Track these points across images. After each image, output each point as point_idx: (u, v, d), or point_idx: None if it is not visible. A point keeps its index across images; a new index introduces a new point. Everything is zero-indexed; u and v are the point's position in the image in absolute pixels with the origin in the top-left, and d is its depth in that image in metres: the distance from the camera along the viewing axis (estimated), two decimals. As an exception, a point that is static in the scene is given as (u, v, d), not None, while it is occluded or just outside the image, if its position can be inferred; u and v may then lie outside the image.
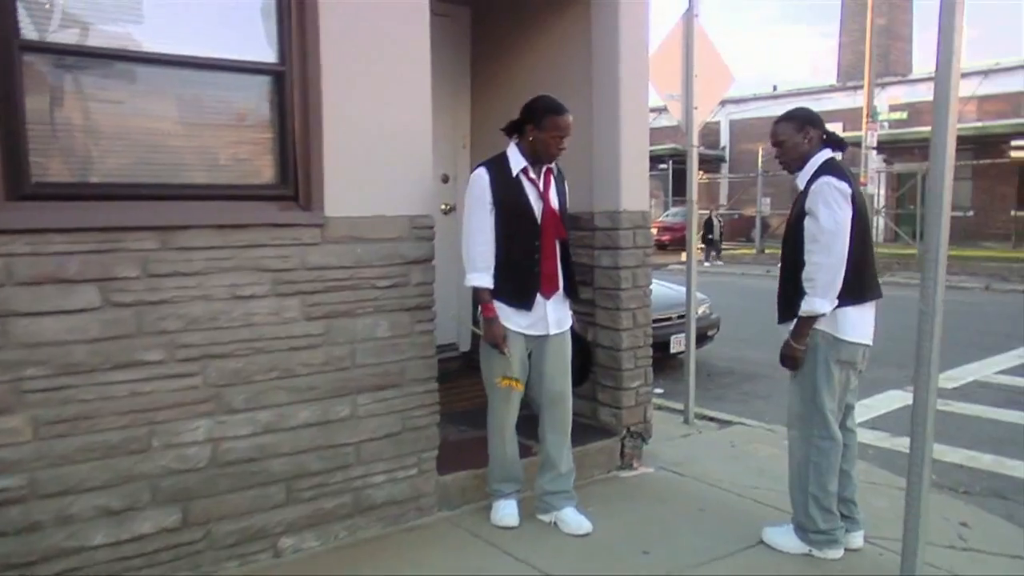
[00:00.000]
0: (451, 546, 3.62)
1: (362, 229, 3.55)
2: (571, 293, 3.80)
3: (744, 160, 30.84)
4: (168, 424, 3.13)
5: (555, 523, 3.80)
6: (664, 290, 7.80)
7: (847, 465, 3.56)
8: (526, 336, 3.69)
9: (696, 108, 5.55)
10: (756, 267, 21.33)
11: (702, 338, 8.06)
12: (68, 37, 2.97)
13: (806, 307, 3.30)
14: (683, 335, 6.22)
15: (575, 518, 3.77)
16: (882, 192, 25.92)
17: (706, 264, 22.06)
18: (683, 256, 6.81)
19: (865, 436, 5.35)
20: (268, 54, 3.36)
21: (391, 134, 3.62)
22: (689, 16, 5.51)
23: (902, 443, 5.31)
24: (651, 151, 5.18)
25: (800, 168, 3.46)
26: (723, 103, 28.12)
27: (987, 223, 25.16)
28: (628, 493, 4.29)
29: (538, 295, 3.65)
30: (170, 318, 3.10)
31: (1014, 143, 22.05)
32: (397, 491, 3.75)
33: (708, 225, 23.24)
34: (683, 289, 6.13)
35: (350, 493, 3.61)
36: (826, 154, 3.43)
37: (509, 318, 3.63)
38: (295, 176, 3.43)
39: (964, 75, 2.90)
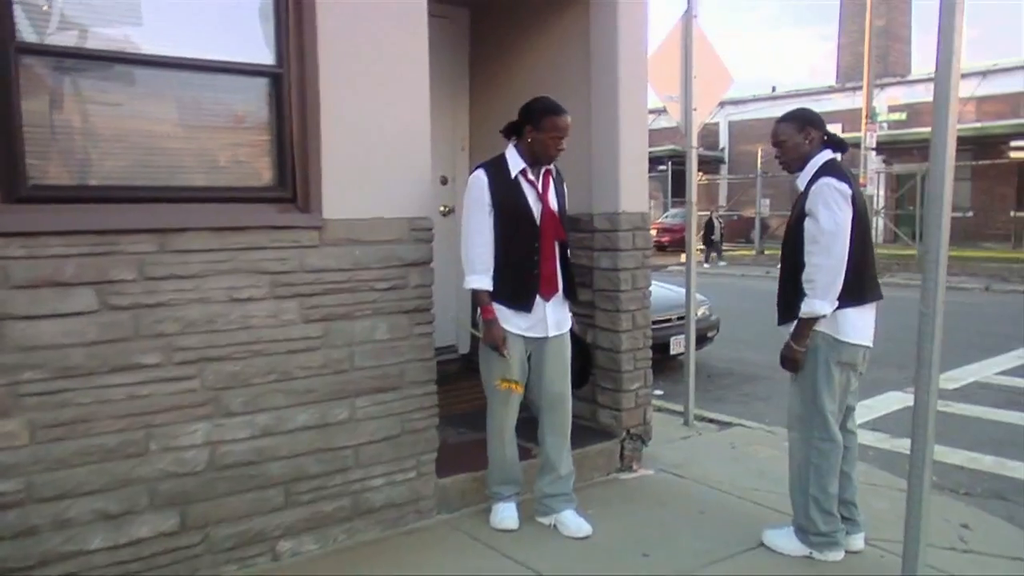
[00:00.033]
0: (450, 549, 3.61)
1: (360, 231, 3.54)
2: (570, 295, 3.79)
3: (743, 161, 30.85)
4: (166, 427, 3.11)
5: (555, 526, 3.79)
6: (663, 291, 7.79)
7: (848, 467, 3.54)
8: (525, 338, 3.68)
9: (695, 109, 5.54)
10: (756, 268, 21.32)
11: (702, 339, 8.05)
12: (65, 39, 2.96)
13: (806, 309, 3.29)
14: (683, 336, 6.21)
15: (575, 521, 3.76)
16: (881, 193, 25.91)
17: (706, 265, 22.05)
18: (682, 257, 6.80)
19: (865, 437, 5.34)
20: (265, 56, 3.35)
21: (389, 136, 3.61)
22: (688, 17, 5.51)
23: (902, 444, 5.30)
24: (650, 152, 5.18)
25: (800, 169, 3.45)
26: (722, 104, 28.19)
27: (987, 224, 25.16)
28: (628, 495, 4.28)
29: (537, 297, 3.64)
30: (167, 321, 3.09)
31: (1013, 144, 22.07)
32: (396, 494, 3.74)
33: (709, 226, 23.25)
34: (682, 290, 6.13)
35: (349, 496, 3.60)
36: (827, 155, 3.42)
37: (508, 320, 3.62)
38: (293, 178, 3.42)
39: (963, 76, 2.90)
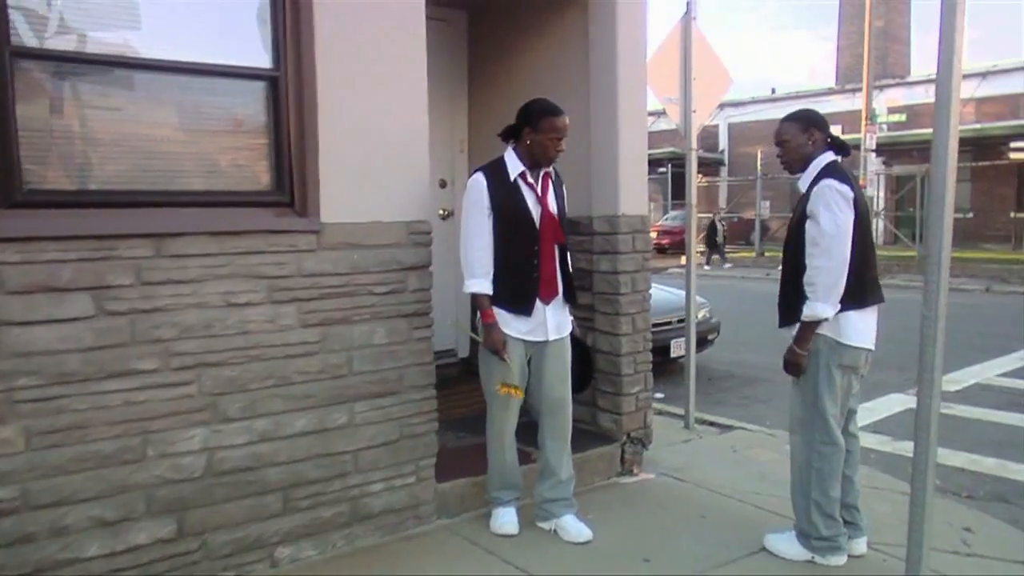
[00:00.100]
0: (450, 554, 3.59)
1: (359, 235, 3.52)
2: (570, 298, 3.77)
3: (743, 163, 30.85)
4: (163, 433, 3.09)
5: (555, 531, 3.77)
6: (664, 294, 7.78)
7: (850, 470, 3.52)
8: (525, 342, 3.66)
9: (695, 111, 5.53)
10: (756, 270, 21.33)
11: (702, 342, 8.04)
12: (61, 43, 2.94)
13: (808, 312, 3.27)
14: (683, 339, 6.19)
15: (575, 525, 3.74)
16: (881, 194, 25.92)
17: (706, 267, 22.06)
18: (682, 260, 6.79)
19: (867, 440, 5.32)
20: (263, 59, 3.34)
21: (388, 139, 3.60)
22: (687, 19, 5.50)
23: (904, 447, 5.29)
24: (650, 155, 5.16)
25: (802, 169, 3.43)
26: (722, 106, 28.22)
27: (987, 225, 25.16)
28: (629, 500, 4.26)
29: (537, 300, 3.62)
30: (164, 326, 3.07)
31: (1013, 144, 22.05)
32: (395, 499, 3.72)
33: (712, 229, 23.27)
34: (683, 293, 6.11)
35: (348, 502, 3.58)
36: (829, 157, 3.41)
37: (508, 324, 3.60)
38: (291, 182, 3.41)
39: (963, 77, 2.88)
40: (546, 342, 3.69)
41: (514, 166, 3.61)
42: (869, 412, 6.34)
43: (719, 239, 23.49)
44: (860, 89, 21.80)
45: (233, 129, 3.40)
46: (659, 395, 6.62)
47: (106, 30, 3.04)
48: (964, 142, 20.74)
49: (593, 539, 3.70)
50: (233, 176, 3.38)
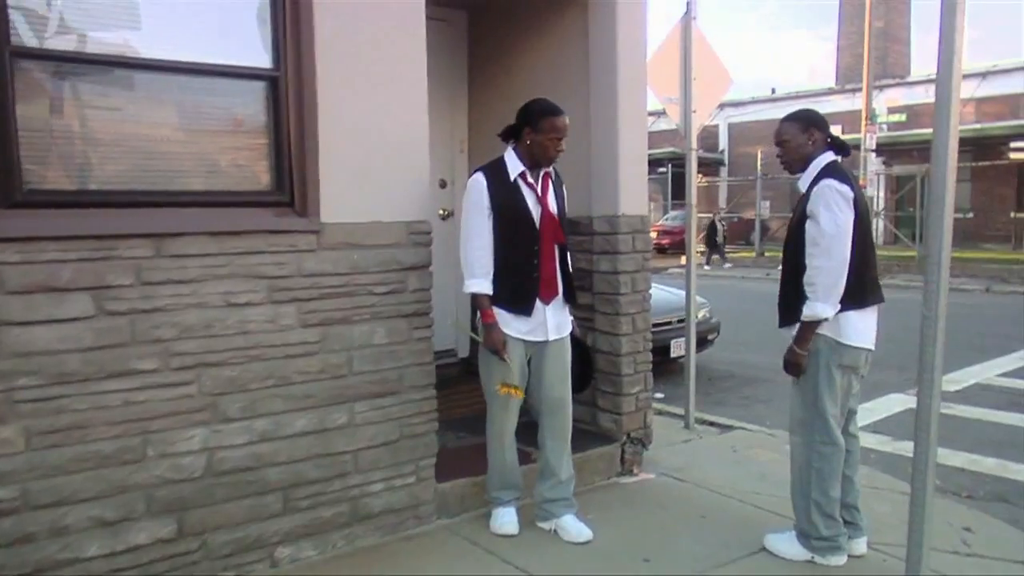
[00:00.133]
0: (450, 554, 3.59)
1: (359, 235, 3.52)
2: (569, 298, 3.77)
3: (743, 163, 30.85)
4: (163, 433, 3.09)
5: (555, 531, 3.77)
6: (664, 294, 7.77)
7: (850, 470, 3.52)
8: (525, 342, 3.66)
9: (695, 111, 5.52)
10: (756, 270, 21.33)
11: (702, 342, 8.04)
12: (61, 43, 2.94)
13: (808, 312, 3.27)
14: (683, 339, 6.19)
15: (575, 526, 3.74)
16: (881, 194, 25.92)
17: (706, 267, 22.06)
18: (682, 260, 6.79)
19: (867, 440, 5.32)
20: (263, 59, 3.33)
21: (388, 139, 3.59)
22: (687, 19, 5.49)
23: (904, 447, 5.29)
24: (650, 155, 5.16)
25: (802, 169, 3.43)
26: (722, 106, 28.22)
27: (987, 225, 25.16)
28: (629, 500, 4.26)
29: (537, 300, 3.62)
30: (164, 326, 3.07)
31: (1013, 145, 22.05)
32: (395, 499, 3.72)
33: (712, 229, 23.27)
34: (683, 293, 6.11)
35: (348, 502, 3.58)
36: (829, 157, 3.40)
37: (508, 324, 3.60)
38: (291, 182, 3.41)
39: (963, 77, 2.87)
40: (546, 342, 3.68)
41: (514, 166, 3.61)
42: (869, 412, 6.34)
43: (719, 239, 23.51)
44: (860, 89, 21.80)
45: (233, 129, 3.40)
46: (659, 395, 6.62)
47: (106, 30, 3.04)
48: (964, 142, 20.74)
49: (593, 539, 3.70)
50: (233, 176, 3.38)
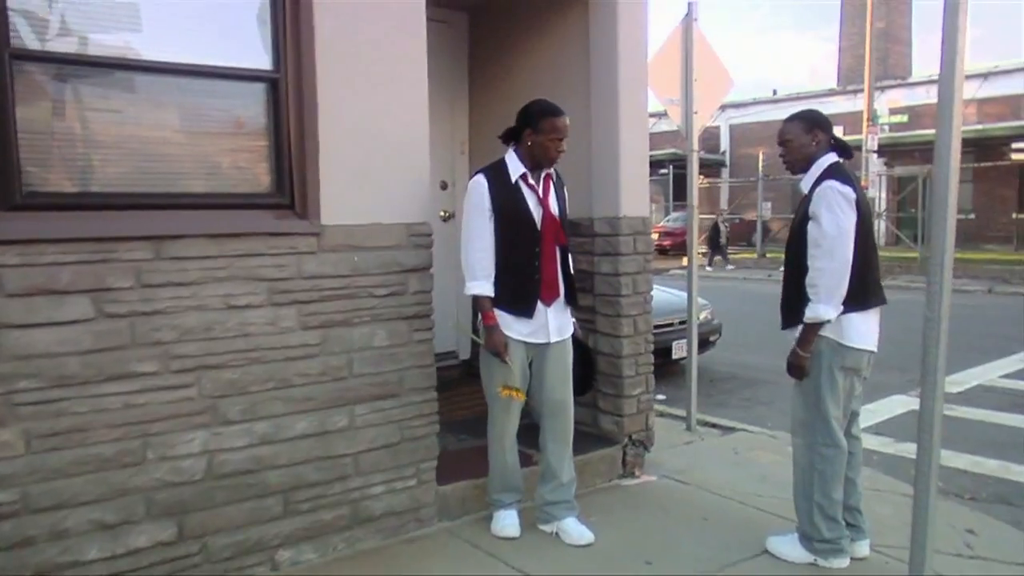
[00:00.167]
0: (451, 557, 3.58)
1: (359, 237, 3.51)
2: (571, 300, 3.76)
3: (744, 164, 30.83)
4: (163, 436, 3.09)
5: (556, 533, 3.76)
6: (665, 295, 7.77)
7: (852, 473, 3.51)
8: (527, 344, 3.65)
9: (696, 112, 5.52)
10: (758, 271, 21.32)
11: (704, 344, 8.03)
12: (60, 45, 2.93)
13: (810, 314, 3.26)
14: (684, 341, 6.17)
15: (576, 528, 3.73)
16: (883, 195, 25.87)
17: (708, 268, 22.05)
18: (684, 261, 6.78)
19: (869, 442, 5.30)
20: (263, 61, 3.33)
21: (388, 140, 3.59)
22: (688, 20, 5.49)
23: (906, 448, 5.27)
24: (651, 156, 5.15)
25: (804, 170, 3.42)
26: (723, 107, 28.20)
27: (988, 225, 25.13)
28: (630, 502, 4.25)
29: (539, 302, 3.61)
30: (164, 329, 3.06)
31: (1014, 145, 22.02)
32: (396, 502, 3.71)
33: (715, 231, 23.25)
34: (684, 294, 6.10)
35: (348, 505, 3.57)
36: (831, 158, 3.39)
37: (510, 326, 3.59)
38: (291, 184, 3.40)
39: (965, 77, 2.86)
40: (547, 344, 3.67)
41: (515, 168, 3.60)
42: (871, 414, 6.32)
43: (722, 240, 23.49)
44: (861, 90, 21.76)
45: (233, 131, 3.39)
46: (661, 397, 6.61)
47: (106, 32, 3.03)
48: (966, 143, 20.52)
49: (595, 542, 3.68)
50: (233, 178, 3.38)
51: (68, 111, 3.02)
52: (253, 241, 3.25)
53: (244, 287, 3.23)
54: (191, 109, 3.25)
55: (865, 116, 20.34)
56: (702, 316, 7.98)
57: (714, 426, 5.84)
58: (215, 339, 3.17)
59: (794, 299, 3.37)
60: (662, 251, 23.76)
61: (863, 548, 3.55)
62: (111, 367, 2.96)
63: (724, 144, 33.32)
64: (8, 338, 2.76)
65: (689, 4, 5.50)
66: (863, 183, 18.17)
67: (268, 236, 3.29)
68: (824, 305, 3.22)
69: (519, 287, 3.59)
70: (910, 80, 28.44)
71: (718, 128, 32.55)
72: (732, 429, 5.78)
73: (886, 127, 24.84)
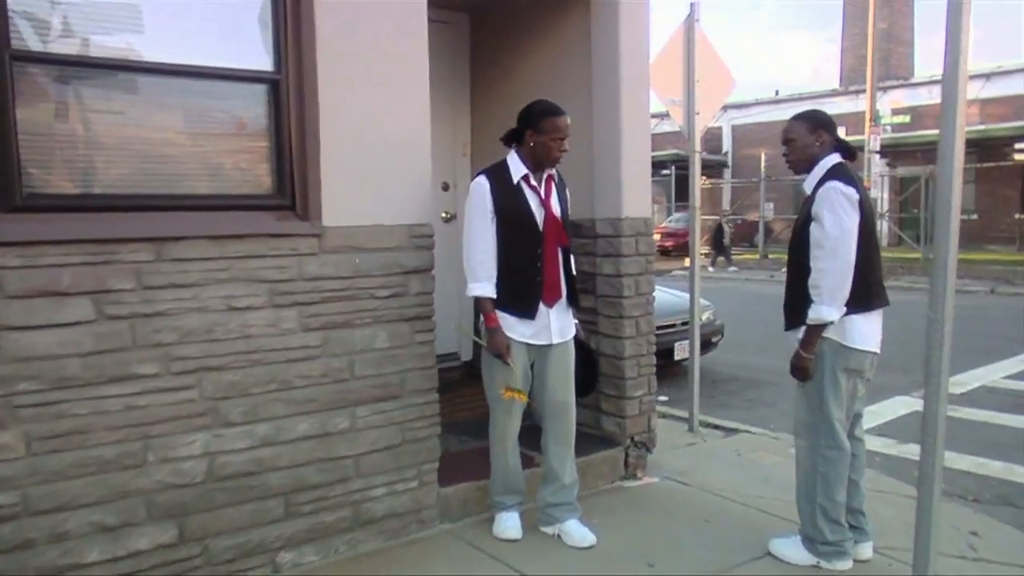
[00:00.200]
0: (453, 559, 3.57)
1: (360, 239, 3.50)
2: (573, 301, 3.75)
3: (747, 165, 30.80)
4: (164, 438, 3.08)
5: (558, 535, 3.75)
6: (667, 296, 7.76)
7: (855, 475, 3.50)
8: (529, 345, 3.64)
9: (698, 113, 5.52)
10: (760, 272, 21.31)
11: (706, 345, 8.00)
12: (61, 47, 2.93)
13: (813, 315, 3.24)
14: (687, 342, 6.16)
15: (578, 530, 3.72)
16: (885, 196, 25.86)
17: (711, 269, 22.03)
18: (686, 262, 6.75)
19: (872, 443, 5.28)
20: (264, 62, 3.32)
21: (389, 141, 3.58)
22: (690, 21, 5.48)
23: (909, 450, 5.26)
24: (653, 157, 5.14)
25: (807, 170, 3.41)
26: (725, 108, 28.12)
27: (991, 226, 25.08)
28: (632, 504, 4.24)
29: (541, 304, 3.60)
30: (165, 330, 3.06)
31: (1017, 146, 21.98)
32: (398, 504, 3.70)
33: (719, 231, 23.23)
34: (686, 295, 6.09)
35: (350, 506, 3.56)
36: (835, 159, 3.38)
37: (512, 328, 3.58)
38: (292, 185, 3.39)
39: (968, 77, 2.85)
40: (550, 346, 3.67)
41: (517, 169, 3.59)
42: (874, 415, 6.30)
43: (726, 241, 23.47)
44: (864, 90, 21.78)
45: (234, 132, 3.39)
46: (663, 398, 6.60)
47: (107, 34, 3.03)
48: (969, 143, 20.39)
49: (597, 544, 3.68)
50: (234, 179, 3.37)
51: (69, 112, 3.02)
52: (254, 243, 3.24)
53: (245, 289, 3.23)
54: (192, 110, 3.25)
55: (868, 116, 20.37)
56: (704, 317, 7.97)
57: (716, 427, 5.83)
58: (216, 341, 3.17)
59: (797, 300, 3.36)
60: (664, 252, 23.74)
61: (866, 550, 3.54)
62: (112, 369, 2.95)
63: (726, 145, 33.29)
64: (8, 340, 2.76)
65: (691, 5, 5.50)
66: (866, 184, 18.16)
67: (269, 237, 3.28)
68: (827, 306, 3.21)
69: (521, 288, 3.59)
70: (912, 80, 28.39)
71: (720, 129, 32.51)
72: (734, 430, 5.77)
73: (888, 127, 24.83)
